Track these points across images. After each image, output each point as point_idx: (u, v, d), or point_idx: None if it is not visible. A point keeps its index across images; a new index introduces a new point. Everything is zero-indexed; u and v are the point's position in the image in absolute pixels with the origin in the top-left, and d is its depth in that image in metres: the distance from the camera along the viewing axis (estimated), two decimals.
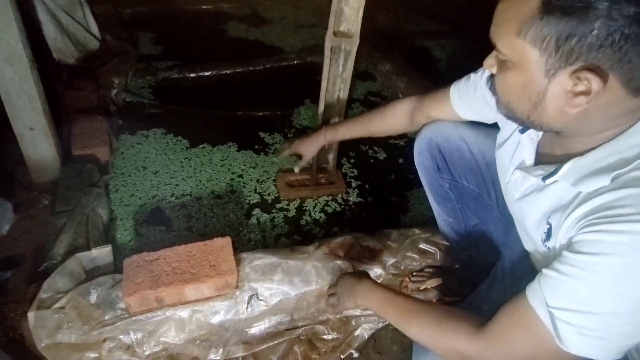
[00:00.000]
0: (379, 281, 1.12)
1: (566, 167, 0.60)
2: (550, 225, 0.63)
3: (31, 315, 0.89)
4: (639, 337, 0.53)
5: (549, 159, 0.67)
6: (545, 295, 0.55)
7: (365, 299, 0.85)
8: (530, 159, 0.70)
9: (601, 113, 0.55)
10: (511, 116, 0.64)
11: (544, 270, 0.56)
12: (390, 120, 1.10)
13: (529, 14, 0.53)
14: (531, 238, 0.70)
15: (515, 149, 0.75)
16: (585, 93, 0.53)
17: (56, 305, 0.91)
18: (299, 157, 1.35)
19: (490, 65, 0.64)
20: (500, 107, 0.66)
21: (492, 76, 0.65)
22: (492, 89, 0.65)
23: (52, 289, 0.94)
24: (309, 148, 1.30)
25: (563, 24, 0.51)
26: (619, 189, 0.52)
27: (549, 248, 0.64)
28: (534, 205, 0.67)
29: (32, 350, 0.93)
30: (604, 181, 0.54)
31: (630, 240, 0.49)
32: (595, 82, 0.51)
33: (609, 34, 0.48)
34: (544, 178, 0.64)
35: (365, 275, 0.92)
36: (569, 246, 0.56)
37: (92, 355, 0.90)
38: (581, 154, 0.59)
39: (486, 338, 0.60)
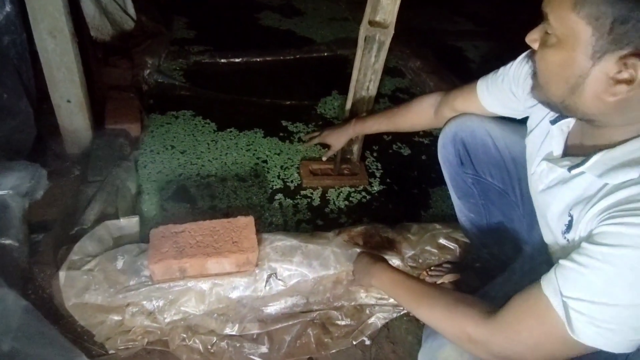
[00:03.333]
0: None
1: (594, 158, 0.59)
2: (571, 217, 0.63)
3: (62, 274, 0.93)
4: None
5: (577, 151, 0.66)
6: (560, 285, 0.55)
7: (378, 280, 0.86)
8: (558, 150, 0.69)
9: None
10: (544, 100, 0.63)
11: (561, 261, 0.56)
12: (417, 113, 1.11)
13: None
14: (551, 230, 0.70)
15: (543, 140, 0.74)
16: (628, 81, 0.52)
17: (85, 268, 0.95)
18: (328, 147, 1.39)
19: (533, 39, 0.62)
20: (536, 90, 0.64)
21: (532, 54, 0.63)
22: (531, 66, 0.64)
23: (82, 252, 0.98)
24: (337, 139, 1.35)
25: (622, 6, 0.49)
26: None
27: (568, 240, 0.64)
28: (557, 197, 0.66)
29: (60, 308, 0.97)
30: (633, 174, 0.53)
31: None
32: None
33: None
34: (570, 168, 0.63)
35: (381, 259, 0.93)
36: (589, 238, 0.56)
37: (116, 317, 0.94)
38: (611, 146, 0.58)
39: (496, 323, 0.60)
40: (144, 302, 0.95)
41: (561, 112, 0.63)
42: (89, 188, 1.23)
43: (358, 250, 1.11)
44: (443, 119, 1.04)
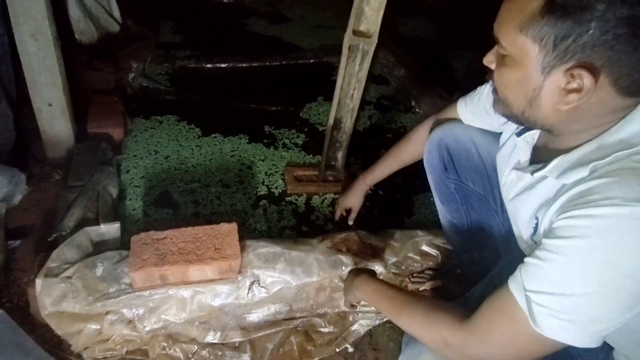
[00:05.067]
0: None
1: (554, 162, 0.63)
2: (537, 220, 0.66)
3: (38, 282, 0.91)
4: (609, 323, 0.54)
5: (542, 158, 0.70)
6: (524, 280, 0.57)
7: (361, 291, 0.88)
8: (525, 159, 0.73)
9: (591, 111, 0.59)
10: (507, 114, 0.68)
11: (525, 259, 0.59)
12: (416, 143, 1.14)
13: (531, 13, 0.56)
14: (522, 235, 0.73)
15: (511, 152, 0.78)
16: (577, 90, 0.56)
17: (63, 275, 0.93)
18: (349, 211, 1.38)
19: (489, 61, 0.68)
20: (498, 105, 0.69)
21: (491, 73, 0.69)
22: (492, 86, 0.69)
23: (60, 259, 0.96)
24: (355, 199, 1.35)
25: (561, 24, 0.54)
26: (593, 179, 0.56)
27: (535, 242, 0.67)
28: (525, 202, 0.70)
29: (36, 317, 0.95)
30: (583, 172, 0.58)
31: (595, 223, 0.52)
32: (587, 79, 0.54)
33: (603, 34, 0.52)
34: (533, 172, 0.68)
35: (365, 271, 0.94)
36: (547, 234, 0.59)
37: (94, 326, 0.92)
38: (568, 151, 0.63)
39: (469, 326, 0.62)
40: (124, 310, 0.93)
41: (522, 123, 0.68)
42: (69, 193, 1.21)
43: (341, 257, 1.11)
44: None
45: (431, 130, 1.07)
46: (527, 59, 0.59)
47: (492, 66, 0.67)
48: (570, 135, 0.64)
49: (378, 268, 1.14)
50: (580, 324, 0.54)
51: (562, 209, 0.58)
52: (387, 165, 1.24)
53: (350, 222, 1.41)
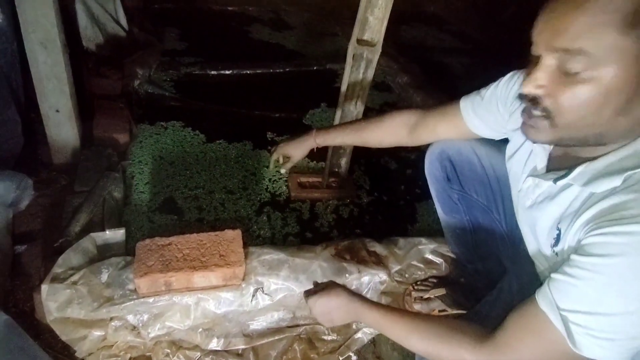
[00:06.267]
0: (382, 287, 1.14)
1: (578, 169, 0.60)
2: (559, 230, 0.64)
3: (44, 287, 0.91)
4: None
5: (560, 165, 0.67)
6: (556, 298, 0.56)
7: (361, 317, 0.80)
8: (541, 165, 0.70)
9: None
10: (567, 137, 0.59)
11: (553, 275, 0.57)
12: (387, 131, 1.03)
13: (635, 8, 0.49)
14: (540, 245, 0.70)
15: (527, 158, 0.75)
16: None
17: (69, 281, 0.94)
18: (287, 158, 1.23)
19: (539, 85, 0.57)
20: (547, 131, 0.59)
21: (533, 100, 0.58)
22: (530, 111, 0.59)
23: (66, 264, 0.97)
24: (296, 150, 1.19)
25: None
26: (627, 192, 0.53)
27: (557, 253, 0.65)
28: (545, 212, 0.67)
29: (41, 322, 0.95)
30: (616, 181, 0.55)
31: (635, 241, 0.50)
32: None
33: None
34: (556, 180, 0.64)
35: (347, 291, 0.84)
36: (577, 249, 0.57)
37: (98, 333, 0.93)
38: (592, 159, 0.60)
39: (494, 345, 0.60)
40: (128, 317, 0.93)
41: (584, 144, 0.60)
42: (75, 199, 1.22)
43: (345, 264, 1.11)
44: (418, 140, 1.01)
45: (431, 143, 1.03)
46: (627, 63, 0.51)
47: (543, 90, 0.57)
48: (601, 146, 0.59)
49: (382, 276, 1.14)
50: (619, 342, 0.53)
51: (593, 223, 0.56)
52: (345, 135, 1.11)
53: (283, 171, 1.28)
